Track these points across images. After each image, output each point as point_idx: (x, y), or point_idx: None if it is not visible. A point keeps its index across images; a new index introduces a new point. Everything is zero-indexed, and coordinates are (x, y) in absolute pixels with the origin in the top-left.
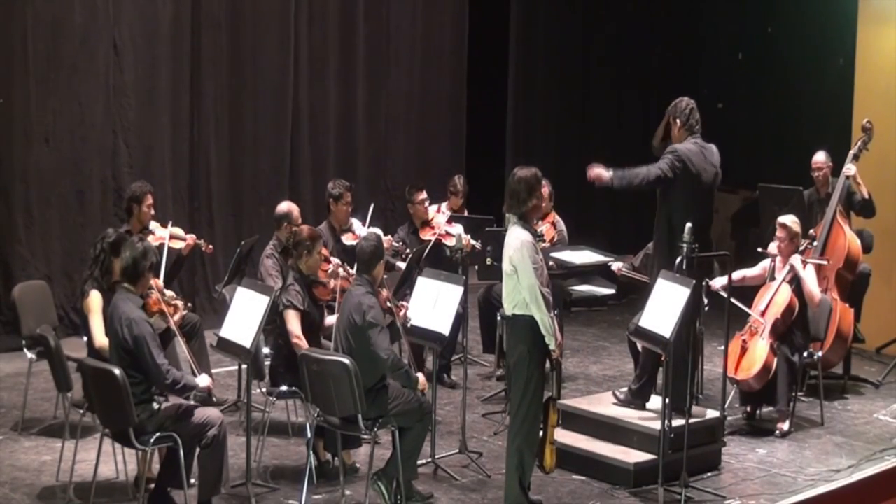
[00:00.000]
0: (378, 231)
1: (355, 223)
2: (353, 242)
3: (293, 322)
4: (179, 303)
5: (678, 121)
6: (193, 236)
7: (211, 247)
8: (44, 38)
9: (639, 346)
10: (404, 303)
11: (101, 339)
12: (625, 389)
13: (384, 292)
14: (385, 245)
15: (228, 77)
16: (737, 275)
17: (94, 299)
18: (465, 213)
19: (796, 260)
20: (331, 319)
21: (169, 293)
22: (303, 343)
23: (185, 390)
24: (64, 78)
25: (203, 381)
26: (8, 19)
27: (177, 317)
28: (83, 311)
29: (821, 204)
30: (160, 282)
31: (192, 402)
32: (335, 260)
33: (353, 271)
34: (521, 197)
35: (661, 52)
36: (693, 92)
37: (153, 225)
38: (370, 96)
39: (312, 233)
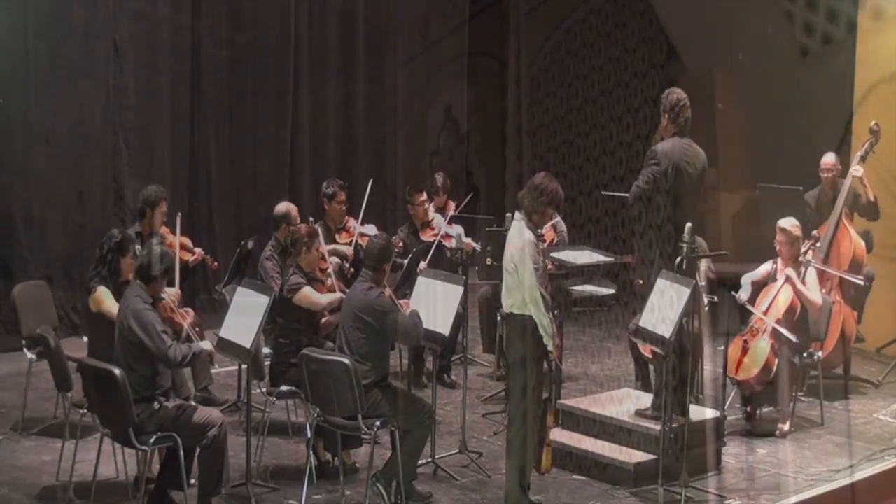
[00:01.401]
0: (373, 228)
1: (351, 221)
2: (349, 241)
3: (313, 295)
4: (191, 315)
5: (666, 115)
6: (201, 251)
7: (217, 263)
8: (44, 38)
9: (642, 349)
10: (406, 300)
11: None
12: (649, 407)
13: (386, 292)
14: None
15: (228, 77)
16: (745, 281)
17: (104, 293)
18: (453, 209)
19: (791, 272)
20: (331, 319)
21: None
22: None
23: (194, 358)
24: (64, 78)
25: (206, 345)
26: (8, 19)
27: (187, 331)
28: (89, 307)
29: (830, 206)
30: (177, 291)
31: (192, 403)
32: (334, 259)
33: (349, 265)
34: (536, 198)
35: (661, 52)
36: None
37: (163, 230)
38: (370, 96)
39: (310, 230)
